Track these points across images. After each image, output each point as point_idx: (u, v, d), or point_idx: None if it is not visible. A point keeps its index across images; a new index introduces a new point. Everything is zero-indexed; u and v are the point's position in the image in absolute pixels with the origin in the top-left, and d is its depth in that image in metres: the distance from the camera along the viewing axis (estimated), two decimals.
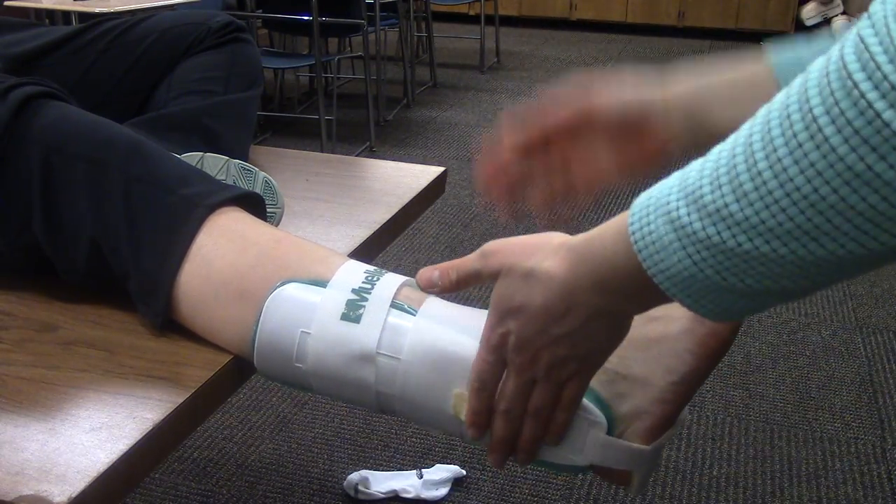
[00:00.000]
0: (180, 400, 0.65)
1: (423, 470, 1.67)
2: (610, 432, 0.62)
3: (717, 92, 0.70)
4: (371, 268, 0.70)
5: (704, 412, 1.92)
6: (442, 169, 1.19)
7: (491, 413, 0.61)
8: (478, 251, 0.60)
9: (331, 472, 1.70)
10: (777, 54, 0.68)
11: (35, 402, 0.64)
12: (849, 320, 2.36)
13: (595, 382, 0.62)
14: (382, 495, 1.62)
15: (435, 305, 0.66)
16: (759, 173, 0.41)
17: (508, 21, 6.82)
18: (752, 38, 6.55)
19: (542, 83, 5.06)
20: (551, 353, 0.56)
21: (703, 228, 0.44)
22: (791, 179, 0.40)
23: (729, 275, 0.45)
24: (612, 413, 0.62)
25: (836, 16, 6.24)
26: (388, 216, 1.02)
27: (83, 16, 3.07)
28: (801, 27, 6.37)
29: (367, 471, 1.67)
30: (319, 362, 0.66)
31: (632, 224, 0.48)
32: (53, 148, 0.75)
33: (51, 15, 3.56)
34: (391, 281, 0.67)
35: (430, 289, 0.62)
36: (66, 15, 3.44)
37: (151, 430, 0.62)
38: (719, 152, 0.45)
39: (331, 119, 3.69)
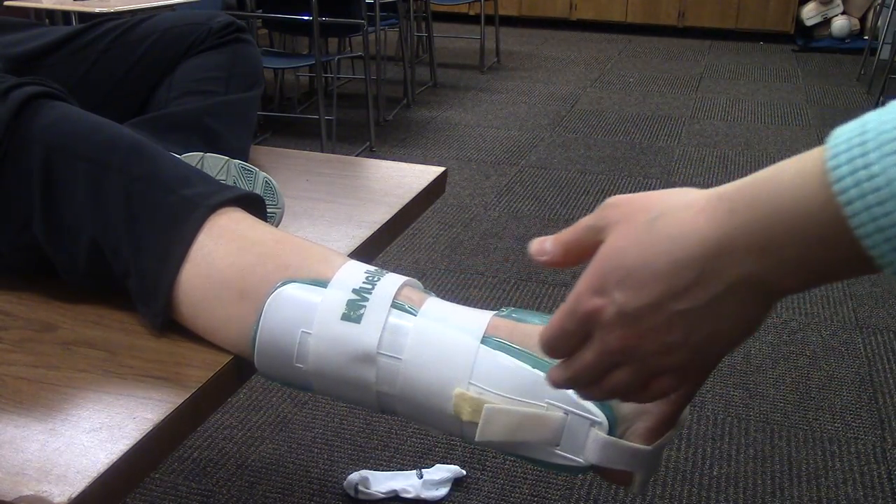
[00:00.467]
0: (180, 400, 0.65)
1: (423, 470, 1.67)
2: (611, 432, 0.62)
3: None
4: (371, 268, 0.70)
5: (704, 412, 1.92)
6: (442, 169, 1.19)
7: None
8: (596, 210, 0.47)
9: (331, 472, 1.70)
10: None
11: (35, 402, 0.64)
12: (849, 320, 2.35)
13: None
14: (382, 495, 1.62)
15: (435, 305, 0.66)
16: None
17: (508, 21, 6.82)
18: (752, 38, 6.56)
19: (542, 83, 5.06)
20: (658, 337, 0.44)
21: None
22: None
23: None
24: (613, 413, 0.62)
25: (836, 16, 6.24)
26: (388, 216, 1.02)
27: (83, 16, 3.07)
28: (801, 27, 6.37)
29: (367, 471, 1.67)
30: (320, 362, 0.66)
31: (835, 165, 0.35)
32: (54, 148, 0.75)
33: (51, 15, 3.55)
34: (392, 281, 0.67)
35: (540, 256, 0.50)
36: (66, 15, 3.44)
37: (151, 430, 0.62)
38: None
39: (331, 119, 3.69)
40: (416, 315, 0.65)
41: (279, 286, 0.68)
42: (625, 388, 0.48)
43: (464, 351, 0.63)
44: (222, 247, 0.71)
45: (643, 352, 0.45)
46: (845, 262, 0.37)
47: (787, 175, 0.38)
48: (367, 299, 0.66)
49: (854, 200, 0.35)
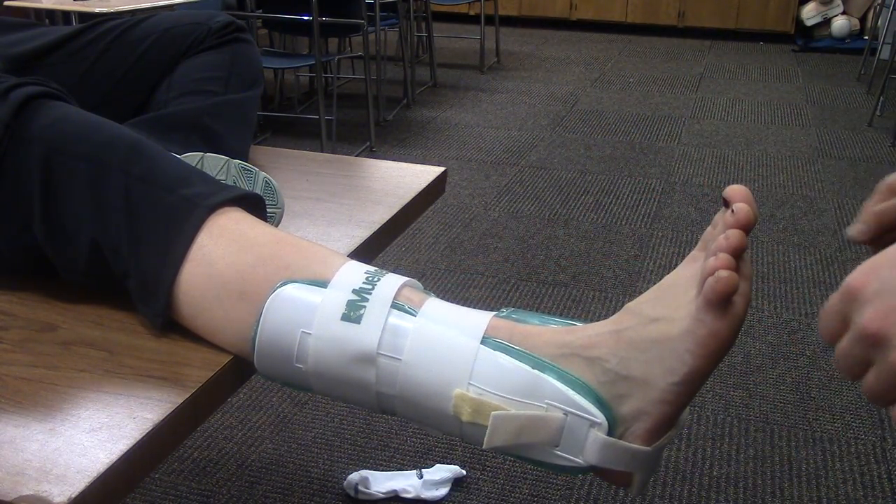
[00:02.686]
0: (180, 400, 0.65)
1: (423, 470, 1.67)
2: (610, 433, 0.62)
3: None
4: (371, 268, 0.70)
5: (704, 412, 1.92)
6: (442, 169, 1.19)
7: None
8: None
9: (331, 472, 1.70)
10: None
11: (35, 402, 0.64)
12: None
13: (595, 383, 0.62)
14: (382, 495, 1.62)
15: (435, 306, 0.66)
16: None
17: (508, 21, 6.82)
18: (752, 38, 6.56)
19: (542, 83, 5.06)
20: None
21: None
22: None
23: None
24: (612, 414, 0.62)
25: (836, 16, 6.24)
26: (388, 216, 1.02)
27: (83, 16, 3.07)
28: (801, 27, 6.37)
29: (367, 471, 1.67)
30: (320, 363, 0.66)
31: None
32: (54, 148, 0.75)
33: (51, 15, 3.55)
34: (392, 282, 0.67)
35: (860, 237, 0.48)
36: (66, 15, 3.44)
37: (151, 430, 0.62)
38: None
39: (331, 119, 3.69)
40: (415, 316, 0.65)
41: (279, 286, 0.68)
42: (879, 393, 0.44)
43: (463, 351, 0.63)
44: (222, 247, 0.71)
45: (891, 337, 0.43)
46: None
47: None
48: (366, 300, 0.66)
49: None
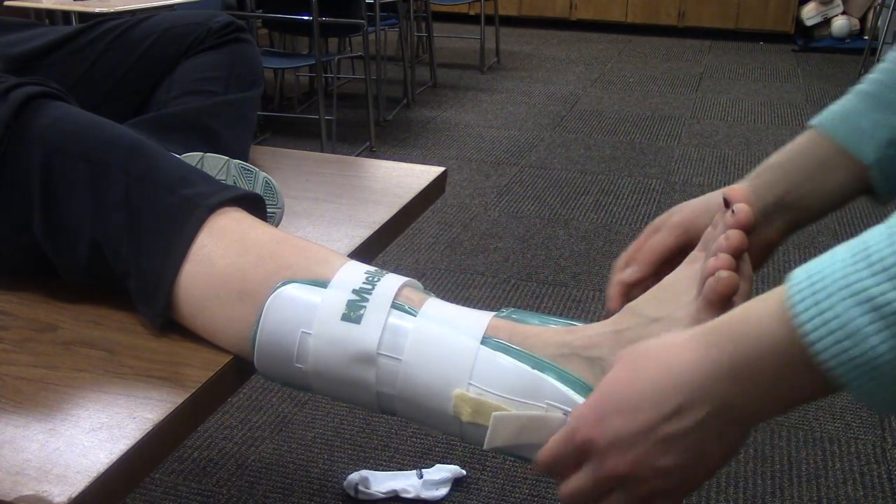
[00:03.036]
0: (180, 400, 0.65)
1: (423, 470, 1.67)
2: None
3: (787, 169, 0.69)
4: (371, 268, 0.70)
5: None
6: (442, 169, 1.19)
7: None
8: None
9: (331, 472, 1.70)
10: (817, 117, 0.71)
11: (35, 402, 0.64)
12: None
13: (595, 383, 0.62)
14: (382, 495, 1.62)
15: (435, 306, 0.66)
16: None
17: (508, 21, 6.82)
18: (752, 38, 6.56)
19: (542, 83, 5.06)
20: (651, 461, 0.48)
21: None
22: None
23: None
24: None
25: (836, 16, 6.24)
26: (388, 216, 1.02)
27: (83, 16, 3.07)
28: (801, 27, 6.37)
29: (367, 471, 1.67)
30: (320, 363, 0.66)
31: (798, 310, 0.42)
32: (54, 148, 0.75)
33: (51, 15, 3.56)
34: (392, 282, 0.67)
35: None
36: (66, 15, 3.44)
37: (151, 430, 0.62)
38: None
39: (331, 119, 3.69)
40: (415, 316, 0.65)
41: (279, 286, 0.68)
42: None
43: (463, 352, 0.63)
44: (222, 247, 0.71)
45: (637, 477, 0.49)
46: (812, 389, 0.43)
47: (761, 315, 0.44)
48: (367, 300, 0.66)
49: (819, 342, 0.40)
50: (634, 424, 0.48)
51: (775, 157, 0.71)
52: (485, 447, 0.62)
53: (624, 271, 0.72)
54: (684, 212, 0.72)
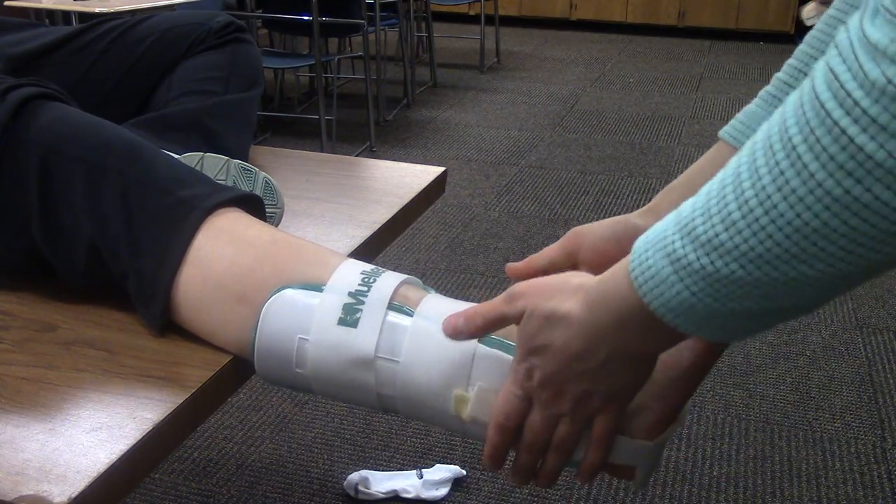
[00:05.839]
0: (180, 400, 0.65)
1: (423, 470, 1.67)
2: None
3: (693, 183, 0.73)
4: (368, 267, 0.70)
5: (704, 412, 1.92)
6: (442, 169, 1.19)
7: (509, 449, 0.61)
8: (504, 294, 0.60)
9: (331, 472, 1.70)
10: (723, 130, 0.74)
11: (35, 402, 0.64)
12: (849, 320, 2.36)
13: None
14: (382, 495, 1.62)
15: (432, 305, 0.66)
16: (746, 202, 0.43)
17: (508, 21, 6.82)
18: (752, 38, 6.56)
19: (542, 83, 5.06)
20: (575, 388, 0.57)
21: (698, 259, 0.46)
22: (775, 206, 0.42)
23: (727, 300, 0.46)
24: None
25: None
26: (388, 216, 1.02)
27: (83, 16, 3.07)
28: (801, 27, 6.37)
29: (367, 471, 1.67)
30: (319, 367, 0.66)
31: (632, 262, 0.50)
32: (51, 150, 0.75)
33: (51, 15, 3.56)
34: (388, 282, 0.67)
35: (456, 336, 0.61)
36: (66, 15, 3.44)
37: (151, 430, 0.62)
38: (709, 187, 0.46)
39: (331, 119, 3.69)
40: (412, 316, 0.65)
41: (276, 292, 0.68)
42: (569, 436, 0.59)
43: (462, 351, 0.63)
44: (219, 248, 0.71)
45: (569, 399, 0.57)
46: (664, 330, 0.50)
47: (619, 274, 0.52)
48: (363, 302, 0.66)
49: (643, 287, 0.49)
50: (555, 365, 0.56)
51: (683, 175, 0.74)
52: (464, 416, 0.63)
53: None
54: (593, 229, 0.75)
